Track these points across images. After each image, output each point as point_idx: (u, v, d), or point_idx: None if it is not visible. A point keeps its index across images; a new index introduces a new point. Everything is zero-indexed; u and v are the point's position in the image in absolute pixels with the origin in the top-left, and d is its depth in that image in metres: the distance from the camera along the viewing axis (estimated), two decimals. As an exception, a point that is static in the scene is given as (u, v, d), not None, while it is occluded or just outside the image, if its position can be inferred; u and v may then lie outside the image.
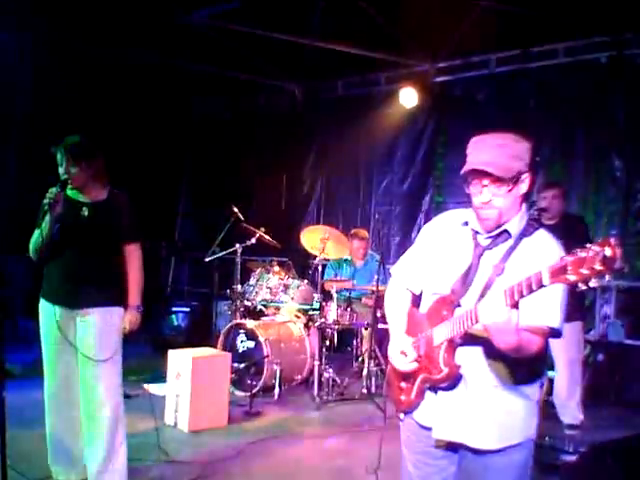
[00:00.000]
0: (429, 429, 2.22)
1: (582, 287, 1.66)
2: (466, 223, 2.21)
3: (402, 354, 2.20)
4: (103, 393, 3.34)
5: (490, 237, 2.15)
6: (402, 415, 2.32)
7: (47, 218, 3.24)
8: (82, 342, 3.34)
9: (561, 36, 6.28)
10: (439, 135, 7.62)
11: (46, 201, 3.21)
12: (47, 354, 3.45)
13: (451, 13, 5.93)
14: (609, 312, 6.29)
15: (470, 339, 2.07)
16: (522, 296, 1.81)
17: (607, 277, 1.62)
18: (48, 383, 3.46)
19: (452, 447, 2.22)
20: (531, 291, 1.79)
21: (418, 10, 5.76)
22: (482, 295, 2.03)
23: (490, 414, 2.12)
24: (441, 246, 2.27)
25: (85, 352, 3.31)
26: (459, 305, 2.12)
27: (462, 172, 2.09)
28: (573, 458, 4.21)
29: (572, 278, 1.65)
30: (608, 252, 1.59)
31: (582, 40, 6.23)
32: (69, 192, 3.39)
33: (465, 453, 2.20)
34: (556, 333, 2.05)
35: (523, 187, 2.10)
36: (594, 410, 5.02)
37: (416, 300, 2.42)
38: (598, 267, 1.59)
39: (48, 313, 3.41)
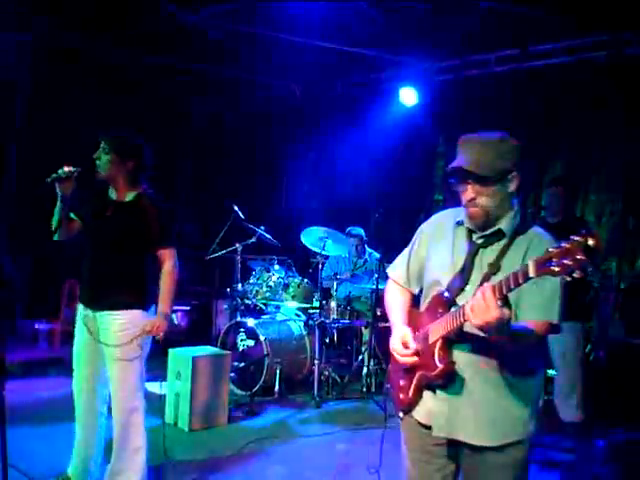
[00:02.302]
0: (428, 427, 2.23)
1: (567, 278, 1.68)
2: (460, 222, 2.22)
3: (403, 345, 2.22)
4: (116, 396, 3.31)
5: (484, 236, 2.16)
6: (401, 414, 2.33)
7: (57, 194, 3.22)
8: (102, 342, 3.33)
9: (561, 35, 6.27)
10: (439, 134, 7.62)
11: (54, 175, 3.14)
12: (75, 352, 3.43)
13: (451, 13, 5.94)
14: (610, 311, 6.28)
15: (465, 336, 2.08)
16: (510, 290, 1.83)
17: (590, 268, 1.64)
18: (73, 382, 3.44)
19: (452, 445, 2.23)
20: (518, 284, 1.81)
21: (418, 9, 5.77)
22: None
23: (488, 411, 2.13)
24: (437, 245, 2.30)
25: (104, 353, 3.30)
26: (455, 303, 2.13)
27: (447, 170, 2.12)
28: (574, 457, 4.22)
29: (556, 269, 1.67)
30: (591, 242, 1.61)
31: (582, 39, 6.23)
32: (110, 192, 3.38)
33: (464, 451, 2.20)
34: (555, 329, 2.06)
35: (511, 186, 2.12)
36: (594, 409, 5.02)
37: (415, 299, 2.44)
38: (580, 257, 1.62)
39: (78, 310, 3.43)
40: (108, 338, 3.27)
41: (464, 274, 2.15)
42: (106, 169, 3.30)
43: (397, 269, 2.48)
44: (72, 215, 3.37)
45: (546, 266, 1.69)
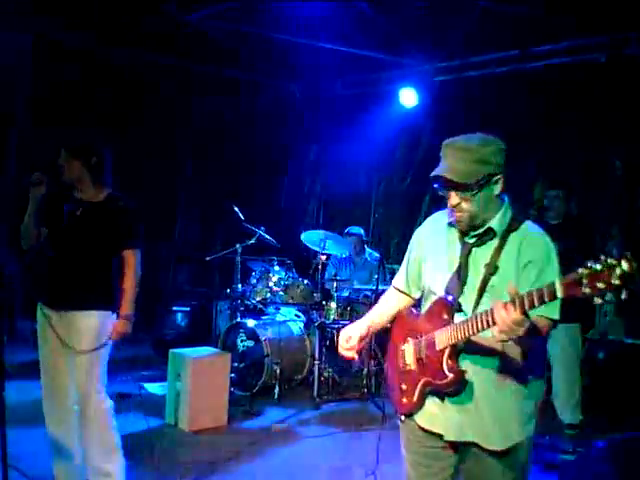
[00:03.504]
0: (430, 432, 2.23)
1: (598, 301, 1.63)
2: (452, 223, 2.23)
3: (347, 338, 2.34)
4: (83, 397, 3.30)
5: (476, 235, 2.17)
6: (402, 417, 2.33)
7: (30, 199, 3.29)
8: (64, 341, 3.32)
9: (561, 36, 6.27)
10: (439, 135, 7.61)
11: (29, 180, 3.25)
12: (40, 353, 3.43)
13: (451, 13, 5.93)
14: (609, 311, 6.28)
15: (474, 342, 2.08)
16: (533, 307, 1.78)
17: (624, 294, 1.57)
18: (41, 383, 3.44)
19: (454, 448, 2.23)
20: (542, 302, 1.76)
21: (418, 10, 5.77)
22: (480, 295, 2.06)
23: (494, 414, 2.13)
24: (432, 247, 2.31)
25: (65, 349, 3.29)
26: (459, 307, 2.13)
27: (429, 177, 2.15)
28: (573, 458, 4.22)
29: (587, 291, 1.62)
30: (625, 266, 1.56)
31: (582, 40, 6.22)
32: (75, 194, 3.39)
33: (469, 453, 2.20)
34: (554, 325, 2.07)
35: (496, 188, 2.12)
36: (594, 410, 5.02)
37: (416, 304, 2.46)
38: (616, 282, 1.56)
39: (38, 311, 3.42)
40: (73, 340, 3.27)
41: (460, 275, 2.15)
42: (67, 172, 3.34)
43: (398, 276, 2.51)
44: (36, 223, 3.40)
45: (576, 287, 1.64)
